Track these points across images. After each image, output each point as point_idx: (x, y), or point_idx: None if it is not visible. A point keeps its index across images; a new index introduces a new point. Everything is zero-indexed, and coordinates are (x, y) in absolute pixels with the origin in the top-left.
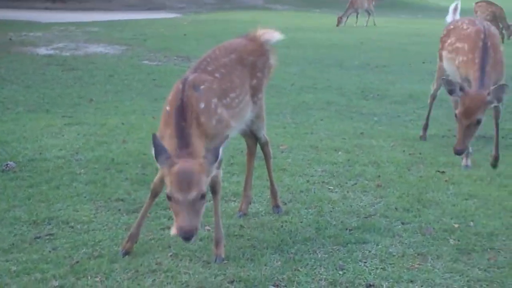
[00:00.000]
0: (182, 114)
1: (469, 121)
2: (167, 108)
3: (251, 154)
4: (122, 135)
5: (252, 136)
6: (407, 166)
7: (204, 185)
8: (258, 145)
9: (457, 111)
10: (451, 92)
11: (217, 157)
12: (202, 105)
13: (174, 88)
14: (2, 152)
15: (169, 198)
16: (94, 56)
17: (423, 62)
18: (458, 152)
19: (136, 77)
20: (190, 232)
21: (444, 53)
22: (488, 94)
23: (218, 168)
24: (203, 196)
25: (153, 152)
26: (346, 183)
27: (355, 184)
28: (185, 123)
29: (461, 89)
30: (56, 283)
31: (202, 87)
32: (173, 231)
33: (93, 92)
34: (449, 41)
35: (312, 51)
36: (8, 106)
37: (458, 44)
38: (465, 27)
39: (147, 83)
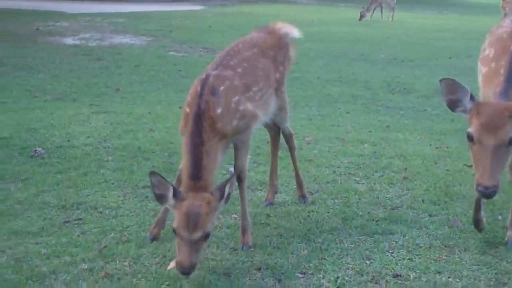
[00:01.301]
0: (198, 124)
1: (496, 140)
2: (187, 109)
3: (274, 145)
4: (149, 124)
5: (275, 128)
6: (434, 159)
7: (210, 226)
8: (282, 136)
9: (471, 129)
10: (452, 104)
11: (223, 196)
12: (219, 110)
13: (194, 87)
14: (30, 139)
15: (175, 232)
16: (120, 47)
17: (450, 57)
18: (486, 193)
19: (162, 68)
20: (188, 268)
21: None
22: None
23: (226, 203)
24: (207, 236)
25: (156, 191)
26: (373, 175)
27: (382, 176)
28: (199, 140)
29: (472, 97)
30: (85, 266)
31: (221, 88)
32: (171, 265)
33: (120, 82)
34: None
35: (337, 45)
36: (35, 94)
37: (487, 51)
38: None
39: (173, 74)
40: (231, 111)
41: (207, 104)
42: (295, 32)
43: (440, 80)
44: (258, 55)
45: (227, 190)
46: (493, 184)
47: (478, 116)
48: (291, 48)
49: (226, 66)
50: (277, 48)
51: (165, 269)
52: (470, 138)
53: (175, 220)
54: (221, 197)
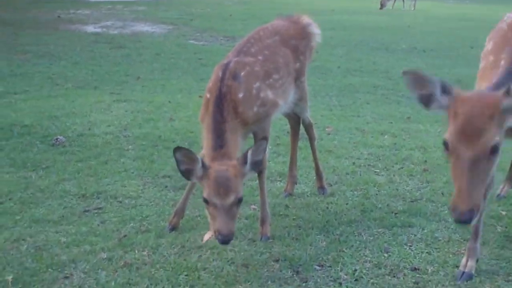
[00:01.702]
0: (220, 106)
1: (474, 150)
2: (207, 95)
3: (294, 135)
4: (169, 113)
5: (295, 118)
6: None
7: (241, 189)
8: (302, 127)
9: (446, 135)
10: (425, 100)
11: (246, 161)
12: (241, 95)
13: (215, 73)
14: (52, 127)
15: (206, 201)
16: (141, 35)
17: (472, 47)
18: (462, 219)
19: (183, 56)
20: (228, 236)
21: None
22: (507, 93)
23: (256, 170)
24: (240, 200)
25: (182, 167)
26: (392, 166)
27: (402, 168)
28: (222, 118)
29: (445, 89)
30: (104, 255)
31: (242, 73)
32: (206, 236)
33: (140, 70)
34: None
35: (358, 34)
36: (57, 82)
37: (487, 45)
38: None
39: (193, 62)
40: (252, 96)
41: (229, 88)
42: (317, 30)
43: (403, 73)
44: (279, 43)
45: (249, 155)
46: (469, 207)
47: (455, 118)
48: (313, 38)
49: (247, 53)
50: (299, 37)
51: (203, 241)
52: (446, 147)
53: (205, 189)
54: (245, 162)
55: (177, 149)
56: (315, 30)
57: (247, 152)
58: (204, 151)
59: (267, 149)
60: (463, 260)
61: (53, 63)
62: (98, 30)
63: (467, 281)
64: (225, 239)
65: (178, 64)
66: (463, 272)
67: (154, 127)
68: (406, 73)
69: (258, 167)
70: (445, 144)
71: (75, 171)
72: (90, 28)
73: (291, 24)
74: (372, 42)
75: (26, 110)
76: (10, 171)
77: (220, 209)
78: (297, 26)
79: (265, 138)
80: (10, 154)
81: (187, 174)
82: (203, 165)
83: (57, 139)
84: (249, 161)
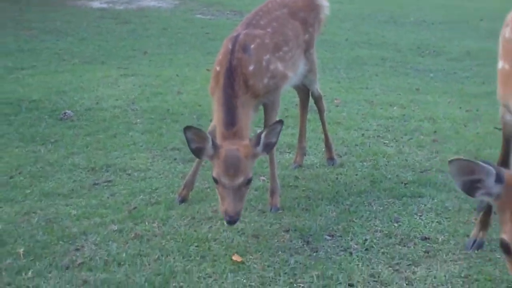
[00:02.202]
0: (231, 79)
1: None
2: (217, 68)
3: (303, 107)
4: (177, 87)
5: (304, 90)
6: (464, 122)
7: (250, 170)
8: (311, 99)
9: (505, 235)
10: (469, 187)
11: (259, 142)
12: (251, 68)
13: (224, 46)
14: (60, 101)
15: (216, 181)
16: (147, 10)
17: (481, 20)
18: None
19: (190, 30)
20: (235, 217)
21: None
22: None
23: (268, 151)
24: (249, 181)
25: (192, 146)
26: (402, 137)
27: (411, 139)
28: (233, 92)
29: (500, 177)
30: (115, 227)
31: (252, 46)
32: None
33: (147, 44)
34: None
35: (366, 7)
36: (64, 58)
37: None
38: None
39: (200, 36)
40: (262, 69)
41: (239, 61)
42: (325, 3)
43: (449, 162)
44: (288, 16)
45: (263, 137)
46: None
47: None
48: (321, 10)
49: (256, 26)
50: (308, 9)
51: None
52: (506, 249)
53: (214, 168)
54: (257, 143)
55: (188, 128)
56: (324, 2)
57: (261, 133)
58: (214, 123)
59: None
60: (475, 229)
61: (60, 39)
62: (104, 5)
63: (478, 250)
64: (231, 220)
65: (185, 39)
66: (475, 240)
67: (162, 100)
68: (452, 161)
69: (271, 149)
70: (505, 245)
71: (84, 145)
72: (96, 4)
73: None
74: (380, 15)
75: (34, 85)
76: (19, 146)
77: (228, 189)
78: None
79: (274, 110)
80: (19, 129)
81: (197, 152)
82: (214, 144)
83: (65, 113)
84: (262, 142)
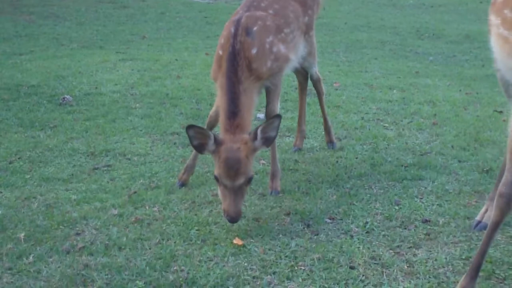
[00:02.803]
0: (234, 63)
1: None
2: (220, 52)
3: (302, 90)
4: (176, 71)
5: (303, 73)
6: (464, 105)
7: (251, 169)
8: (309, 82)
9: None
10: None
11: (256, 137)
12: (254, 51)
13: (226, 29)
14: (58, 86)
15: (217, 179)
16: None
17: (481, 2)
18: None
19: (188, 14)
20: (235, 217)
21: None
22: None
23: (268, 145)
24: (249, 180)
25: (194, 142)
26: (401, 121)
27: (411, 122)
28: (236, 78)
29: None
30: (115, 212)
31: (255, 28)
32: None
33: (145, 29)
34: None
35: None
36: (62, 43)
37: None
38: None
39: (199, 20)
40: (265, 51)
41: (242, 45)
42: None
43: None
44: None
45: (259, 132)
46: None
47: None
48: None
49: (257, 7)
50: None
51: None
52: None
53: (216, 167)
54: (255, 138)
55: (190, 127)
56: None
57: (257, 128)
58: (216, 107)
59: (278, 103)
60: (482, 210)
61: (58, 24)
62: None
63: (481, 231)
64: (231, 219)
65: (184, 23)
66: (479, 222)
67: (161, 85)
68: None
69: (271, 142)
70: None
71: (83, 130)
72: None
73: None
74: None
75: (33, 71)
76: (18, 131)
77: (229, 189)
78: None
79: (277, 93)
80: (18, 114)
81: (199, 148)
82: (216, 140)
83: (64, 98)
84: (259, 137)
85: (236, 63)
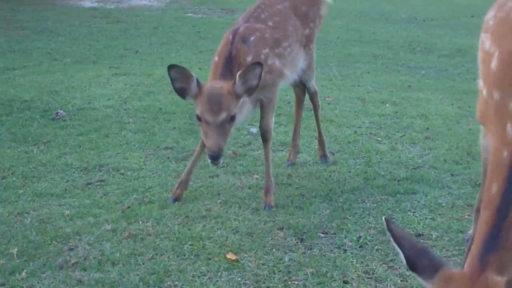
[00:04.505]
0: (229, 66)
1: None
2: (216, 58)
3: (299, 104)
4: (169, 86)
5: (301, 86)
6: (456, 119)
7: (234, 108)
8: (306, 96)
9: None
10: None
11: (235, 81)
12: (250, 59)
13: (225, 38)
14: (51, 101)
15: (199, 118)
16: (139, 9)
17: (472, 16)
18: None
19: (181, 29)
20: (216, 152)
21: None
22: None
23: (250, 94)
24: (232, 118)
25: (176, 85)
26: (394, 134)
27: (403, 136)
28: (230, 75)
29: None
30: (108, 227)
31: (252, 38)
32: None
33: (139, 44)
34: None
35: (357, 4)
36: (55, 57)
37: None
38: None
39: (192, 35)
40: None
41: (238, 52)
42: None
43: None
44: (289, 9)
45: (238, 76)
46: None
47: None
48: (323, 6)
49: (257, 19)
50: (310, 4)
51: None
52: None
53: (198, 106)
54: (235, 82)
55: (172, 66)
56: None
57: (241, 72)
58: None
59: (273, 118)
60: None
61: (52, 39)
62: (95, 5)
63: None
64: (213, 155)
65: (177, 38)
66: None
67: (155, 99)
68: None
69: (253, 91)
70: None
71: (76, 145)
72: (87, 3)
73: None
74: (371, 12)
75: (26, 86)
76: (11, 146)
77: (211, 125)
78: None
79: (271, 107)
80: (11, 129)
81: (181, 92)
82: (198, 83)
83: (57, 113)
84: (238, 81)
85: (231, 67)
